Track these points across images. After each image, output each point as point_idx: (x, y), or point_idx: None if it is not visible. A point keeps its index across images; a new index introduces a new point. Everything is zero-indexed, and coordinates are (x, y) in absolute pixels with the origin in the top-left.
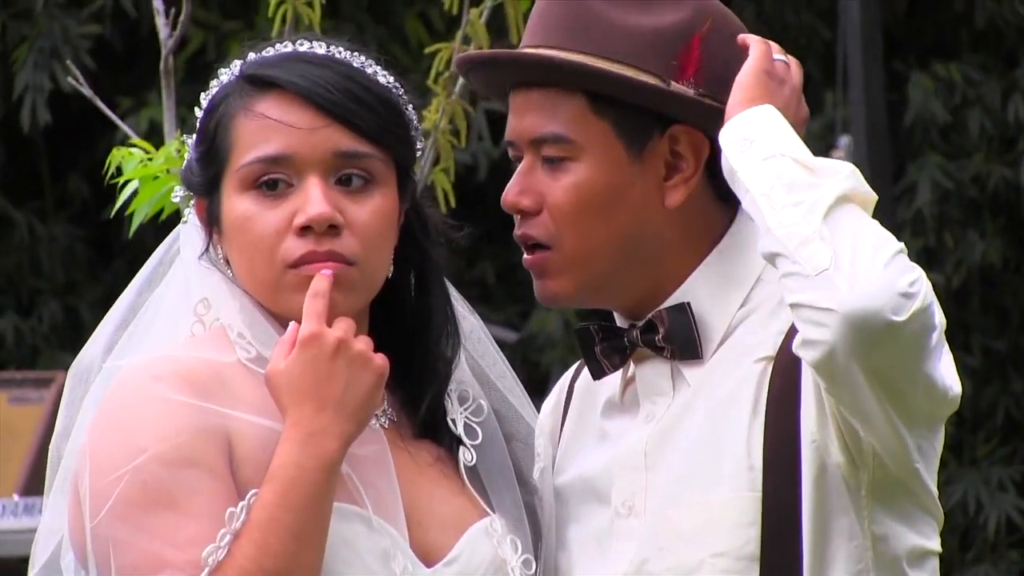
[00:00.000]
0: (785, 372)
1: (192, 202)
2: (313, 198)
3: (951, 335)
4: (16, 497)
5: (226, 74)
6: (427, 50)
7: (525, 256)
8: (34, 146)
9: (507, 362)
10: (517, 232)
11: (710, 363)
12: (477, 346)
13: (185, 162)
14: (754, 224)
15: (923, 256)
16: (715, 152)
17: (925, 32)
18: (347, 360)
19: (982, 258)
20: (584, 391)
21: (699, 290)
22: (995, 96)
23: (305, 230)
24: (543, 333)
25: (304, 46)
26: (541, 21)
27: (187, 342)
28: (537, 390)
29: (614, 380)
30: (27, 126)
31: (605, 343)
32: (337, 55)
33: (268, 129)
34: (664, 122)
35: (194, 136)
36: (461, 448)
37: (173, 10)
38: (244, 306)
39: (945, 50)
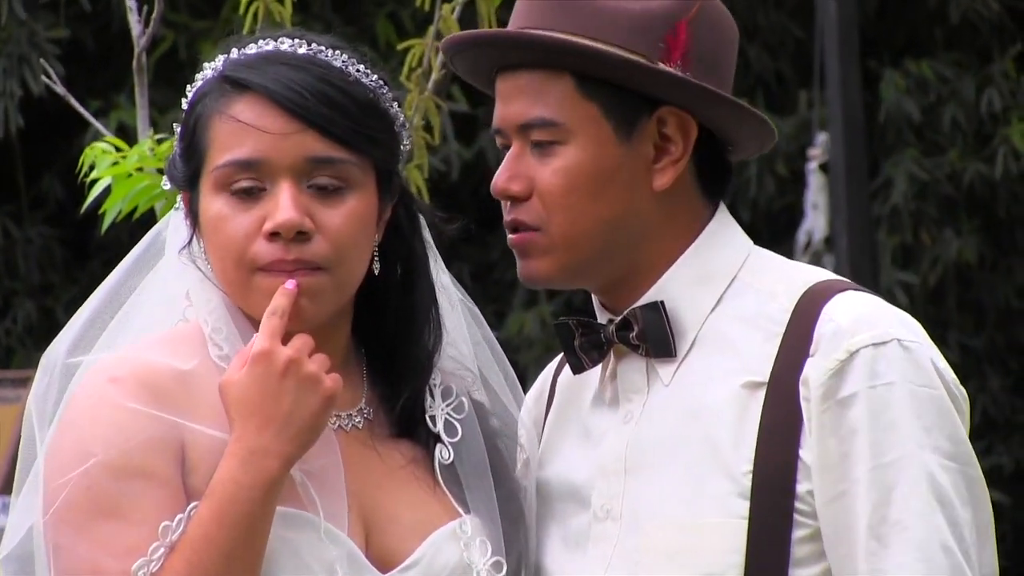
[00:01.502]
0: (782, 403)
1: (180, 194)
2: (283, 204)
3: (931, 331)
4: None
5: (210, 68)
6: (399, 46)
7: (510, 236)
8: (8, 149)
9: (503, 357)
10: (507, 217)
11: (685, 363)
12: (475, 346)
13: (172, 154)
14: (731, 222)
15: (899, 254)
16: (702, 138)
17: (898, 30)
18: (296, 380)
19: (958, 255)
20: (567, 385)
21: (674, 287)
22: (970, 91)
23: (274, 235)
24: (521, 333)
25: (285, 44)
26: (528, 4)
27: (161, 336)
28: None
29: (596, 375)
30: (0, 131)
31: (584, 338)
32: (319, 55)
33: (241, 132)
34: (652, 104)
35: (179, 129)
36: (438, 446)
37: (146, 8)
38: (218, 304)
39: (919, 47)
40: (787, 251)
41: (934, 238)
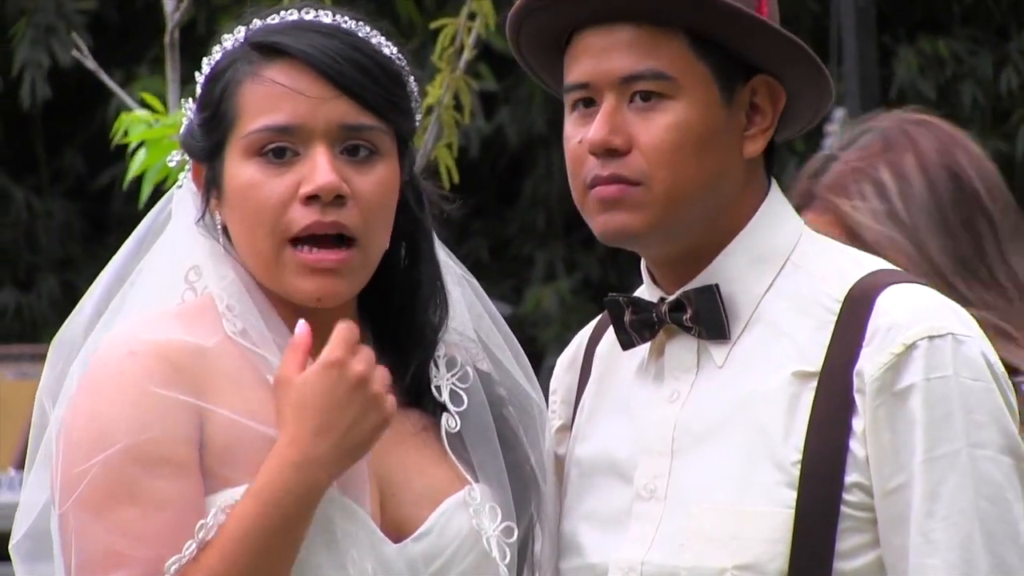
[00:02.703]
0: (834, 395)
1: (188, 167)
2: (321, 167)
3: None
4: (12, 471)
5: (229, 40)
6: (432, 25)
7: (601, 188)
8: (28, 122)
9: (508, 331)
10: (600, 173)
11: (737, 344)
12: (483, 321)
13: (184, 127)
14: (783, 203)
15: None
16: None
17: (915, 5)
18: (364, 396)
19: None
20: (607, 357)
21: (729, 269)
22: (987, 69)
23: (311, 199)
24: (539, 310)
25: (310, 14)
26: None
27: (176, 311)
28: (533, 367)
29: (640, 350)
30: (28, 103)
31: (634, 316)
32: (343, 24)
33: (277, 97)
34: (748, 72)
35: (194, 101)
36: (444, 414)
37: None
38: (234, 278)
39: (935, 24)
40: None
41: None
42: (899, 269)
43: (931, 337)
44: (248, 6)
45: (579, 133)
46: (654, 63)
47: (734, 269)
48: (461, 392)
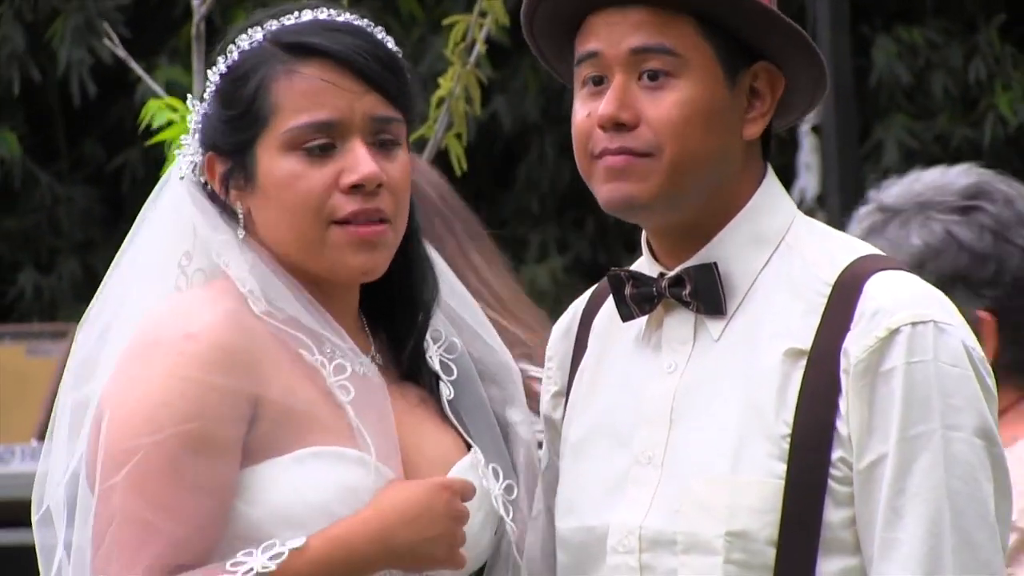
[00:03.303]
0: (822, 373)
1: (198, 161)
2: (363, 159)
3: None
4: (34, 442)
5: (246, 40)
6: (445, 22)
7: (610, 159)
8: (51, 112)
9: (476, 305)
10: (610, 146)
11: (733, 320)
12: (453, 297)
13: (201, 124)
14: (779, 186)
15: None
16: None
17: None
18: (453, 527)
19: None
20: (605, 328)
21: (727, 247)
22: (957, 59)
23: (354, 188)
24: (533, 287)
25: (324, 14)
26: None
27: (211, 293)
28: None
29: (639, 322)
30: (78, 98)
31: (635, 289)
32: (355, 23)
33: (315, 93)
34: (750, 58)
35: (211, 98)
36: (441, 384)
37: None
38: (255, 262)
39: (909, 15)
40: None
41: None
42: (887, 255)
43: (914, 323)
44: (262, 3)
45: (588, 108)
46: (663, 40)
47: (732, 247)
48: (450, 362)
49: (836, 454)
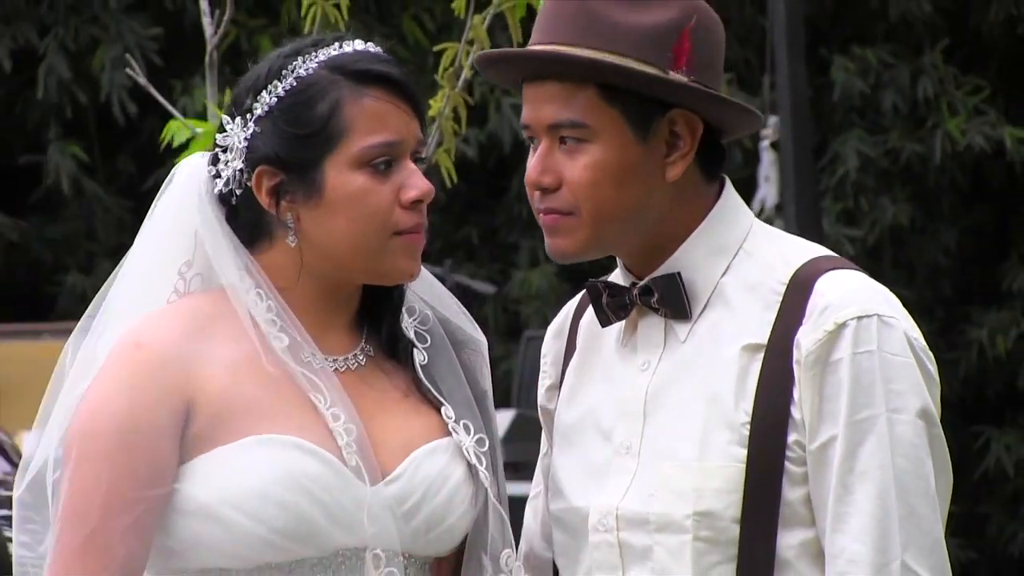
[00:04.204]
0: (777, 365)
1: (230, 174)
2: (419, 176)
3: None
4: None
5: (302, 67)
6: (435, 48)
7: (543, 218)
8: (88, 133)
9: (442, 287)
10: (541, 205)
11: (697, 323)
12: (428, 286)
13: (250, 140)
14: (736, 200)
15: (842, 217)
16: (706, 133)
17: (846, 23)
18: None
19: (893, 220)
20: (589, 330)
21: (689, 258)
22: (905, 78)
23: (416, 203)
24: (525, 288)
25: (359, 44)
26: (550, 20)
27: (182, 309)
28: (514, 334)
29: (618, 325)
30: (121, 119)
31: (610, 298)
32: (386, 55)
33: (384, 116)
34: (665, 107)
35: (268, 117)
36: (415, 351)
37: (217, 11)
38: (273, 292)
39: (863, 39)
40: None
41: (872, 205)
42: (837, 256)
43: (859, 317)
44: (289, 29)
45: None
46: (571, 114)
47: (693, 259)
48: (424, 332)
49: (791, 438)
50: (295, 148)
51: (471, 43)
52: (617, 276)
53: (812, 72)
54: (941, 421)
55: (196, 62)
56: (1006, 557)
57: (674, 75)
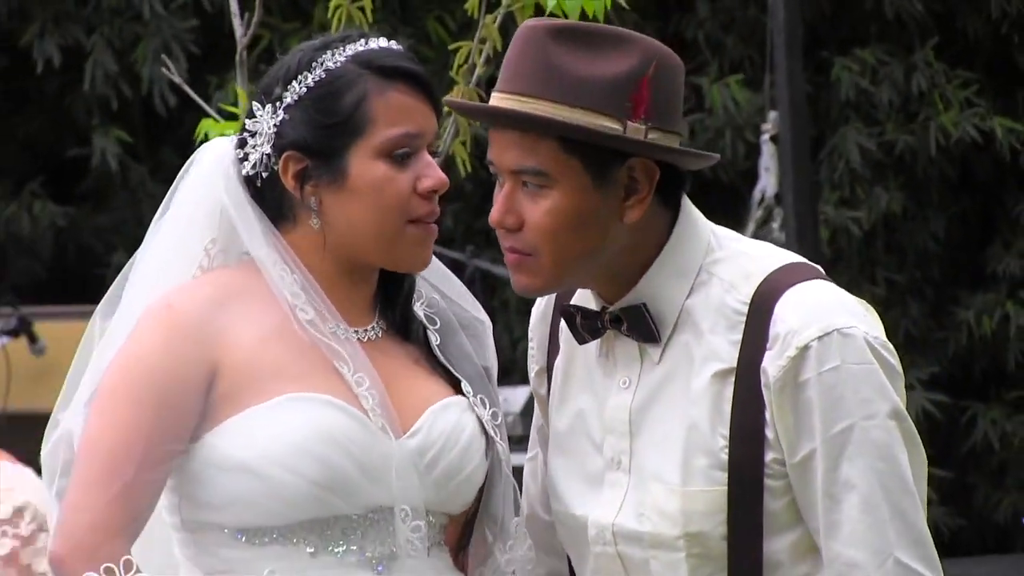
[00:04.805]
0: (748, 390)
1: (257, 157)
2: (435, 168)
3: (863, 268)
4: None
5: (330, 60)
6: (451, 47)
7: (507, 255)
8: (134, 124)
9: (446, 269)
10: (504, 244)
11: (668, 344)
12: (435, 272)
13: (279, 127)
14: (693, 220)
15: (839, 205)
16: (661, 171)
17: (843, 25)
18: None
19: (887, 208)
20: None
21: (652, 287)
22: (899, 75)
23: (432, 192)
24: None
25: (383, 42)
26: (514, 69)
27: (215, 275)
28: (528, 315)
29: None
30: (163, 111)
31: (584, 320)
32: (405, 51)
33: (407, 109)
34: (623, 156)
35: (297, 106)
36: (428, 332)
37: (247, 14)
38: (300, 275)
39: (859, 40)
40: (749, 204)
41: (867, 193)
42: (795, 263)
43: (820, 337)
44: (321, 31)
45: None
46: (532, 162)
47: (656, 287)
48: (433, 315)
49: (769, 456)
50: (322, 136)
51: (483, 41)
52: (587, 299)
53: (812, 71)
54: (932, 397)
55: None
56: (991, 524)
57: (632, 126)
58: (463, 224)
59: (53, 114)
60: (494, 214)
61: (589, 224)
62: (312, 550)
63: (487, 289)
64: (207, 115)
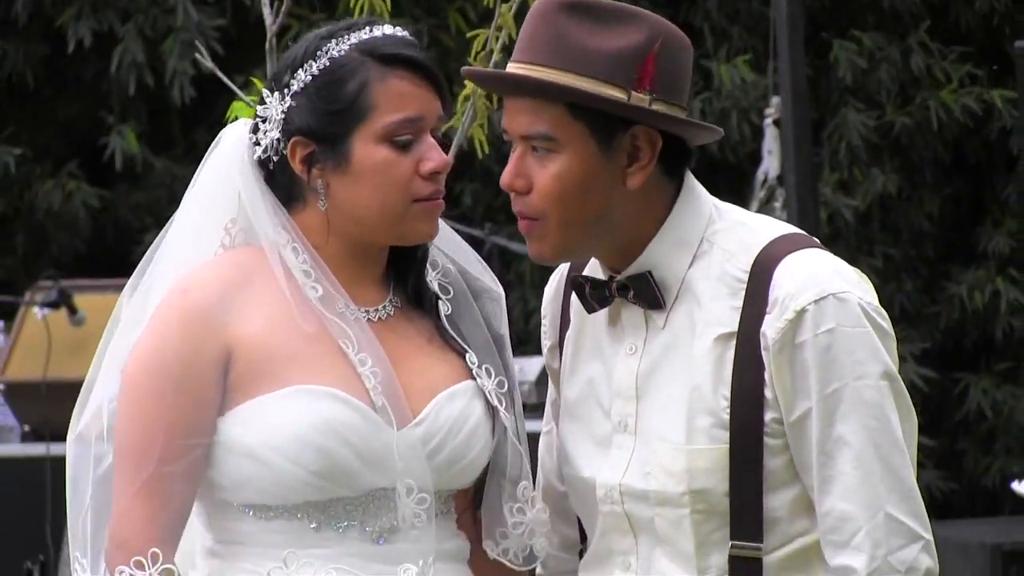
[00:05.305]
0: (748, 353)
1: (268, 143)
2: (438, 150)
3: (860, 246)
4: None
5: (335, 49)
6: (468, 35)
7: (520, 223)
8: (168, 108)
9: (462, 241)
10: (514, 208)
11: (672, 311)
12: (443, 238)
13: (287, 113)
14: (696, 193)
15: (839, 186)
16: (670, 139)
17: (843, 13)
18: None
19: (883, 188)
20: (579, 305)
21: (657, 255)
22: (896, 58)
23: (433, 175)
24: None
25: (388, 29)
26: (528, 42)
27: (228, 259)
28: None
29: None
30: (179, 101)
31: (593, 291)
32: (413, 39)
33: (407, 95)
34: (627, 123)
35: (303, 93)
36: (439, 302)
37: (276, 3)
38: (308, 247)
39: (857, 26)
40: (753, 184)
41: (864, 175)
42: (792, 233)
43: (816, 301)
44: (338, 19)
45: None
46: (541, 127)
47: (661, 256)
48: (447, 284)
49: (768, 416)
50: (326, 122)
51: (499, 29)
52: (595, 269)
53: (812, 55)
54: (923, 372)
55: (258, 59)
56: (981, 487)
57: (637, 95)
58: (483, 204)
59: (92, 98)
60: (505, 177)
61: (594, 188)
62: (315, 525)
63: (504, 264)
64: (238, 99)
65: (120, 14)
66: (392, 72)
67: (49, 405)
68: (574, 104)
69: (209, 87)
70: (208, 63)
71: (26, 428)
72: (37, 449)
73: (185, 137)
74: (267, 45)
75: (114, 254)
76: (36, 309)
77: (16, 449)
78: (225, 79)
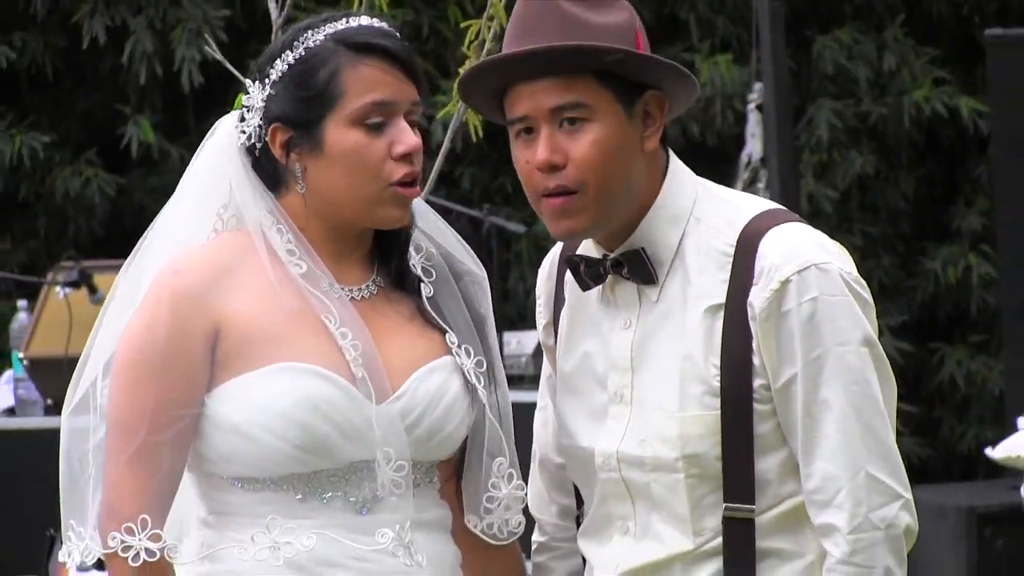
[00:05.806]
0: (736, 322)
1: (252, 131)
2: (410, 134)
3: (840, 224)
4: None
5: (311, 39)
6: (462, 25)
7: (550, 202)
8: (183, 98)
9: (447, 225)
10: (550, 184)
11: (664, 286)
12: (428, 222)
13: (266, 102)
14: (682, 171)
15: (818, 168)
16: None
17: (821, 7)
18: None
19: (861, 169)
20: (573, 283)
21: (649, 233)
22: (872, 52)
23: (405, 157)
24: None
25: (367, 21)
26: (527, 25)
27: (221, 240)
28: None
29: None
30: (187, 87)
31: (587, 268)
32: (390, 29)
33: (376, 81)
34: (640, 90)
35: (280, 82)
36: (422, 285)
37: None
38: (292, 228)
39: (835, 20)
40: (738, 166)
41: (843, 157)
42: (774, 208)
43: (799, 272)
44: (341, 9)
45: (526, 155)
46: (572, 96)
47: (653, 232)
48: (430, 267)
49: (757, 382)
50: (301, 108)
51: (491, 19)
52: (588, 248)
53: (794, 48)
54: (900, 346)
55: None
56: (956, 454)
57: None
58: (480, 186)
59: (110, 91)
60: (541, 154)
61: (625, 154)
62: (300, 496)
63: (502, 243)
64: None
65: (132, 9)
66: (363, 60)
67: (70, 380)
68: (599, 71)
69: (221, 78)
70: (216, 53)
71: (49, 402)
72: (59, 422)
73: (198, 126)
74: (273, 36)
75: (131, 236)
76: (58, 288)
77: (40, 422)
78: (233, 69)
